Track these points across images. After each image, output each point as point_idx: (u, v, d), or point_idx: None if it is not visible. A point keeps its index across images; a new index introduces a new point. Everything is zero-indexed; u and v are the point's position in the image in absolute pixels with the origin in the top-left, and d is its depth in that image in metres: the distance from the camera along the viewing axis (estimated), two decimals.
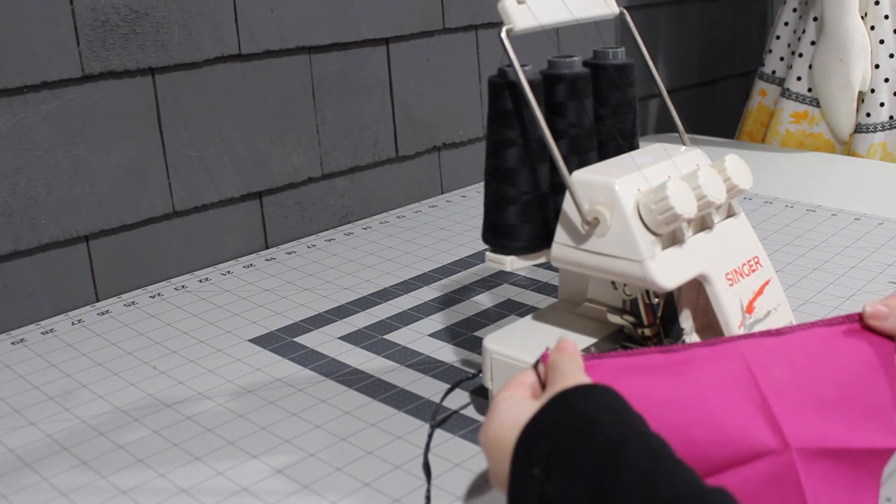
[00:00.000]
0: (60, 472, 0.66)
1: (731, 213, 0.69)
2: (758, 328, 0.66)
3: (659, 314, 0.67)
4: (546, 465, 0.45)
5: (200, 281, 1.01)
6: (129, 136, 0.98)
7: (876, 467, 0.53)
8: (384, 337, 0.86)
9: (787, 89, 1.42)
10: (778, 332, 0.57)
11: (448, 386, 0.74)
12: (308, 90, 1.12)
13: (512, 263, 0.69)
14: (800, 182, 1.27)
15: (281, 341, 0.86)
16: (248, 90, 1.07)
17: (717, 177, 0.64)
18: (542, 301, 0.92)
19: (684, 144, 0.71)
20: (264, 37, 1.06)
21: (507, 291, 0.95)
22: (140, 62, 0.97)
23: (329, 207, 1.18)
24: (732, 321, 0.64)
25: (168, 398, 0.76)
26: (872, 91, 1.35)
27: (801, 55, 1.39)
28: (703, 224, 0.66)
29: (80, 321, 0.92)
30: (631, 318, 0.68)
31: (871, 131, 1.36)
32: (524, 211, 0.67)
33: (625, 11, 0.71)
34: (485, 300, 0.93)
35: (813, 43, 1.38)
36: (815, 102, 1.39)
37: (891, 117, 1.35)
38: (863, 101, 1.36)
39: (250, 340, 0.86)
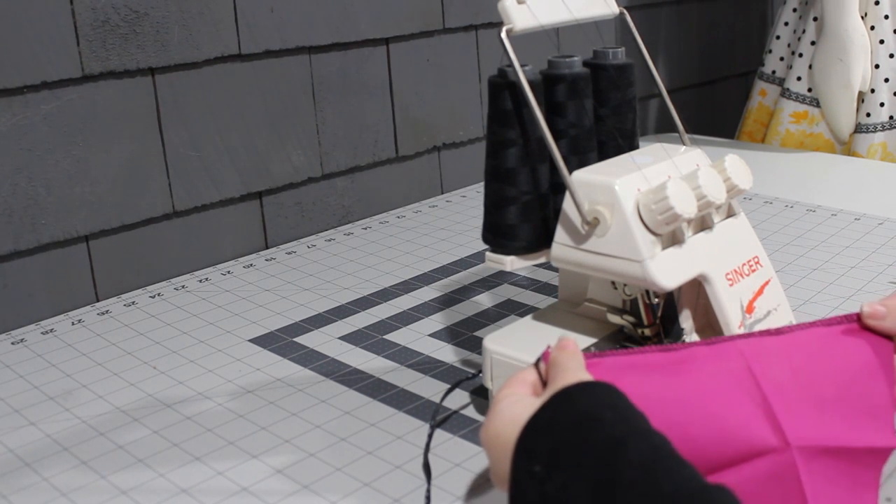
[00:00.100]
0: (60, 472, 0.66)
1: (731, 213, 0.69)
2: (758, 328, 0.66)
3: (659, 314, 0.67)
4: (547, 463, 0.45)
5: (200, 281, 1.01)
6: (129, 136, 0.98)
7: (875, 466, 0.53)
8: (384, 337, 0.86)
9: (787, 89, 1.42)
10: (777, 332, 0.57)
11: (448, 386, 0.74)
12: (308, 90, 1.12)
13: (512, 263, 0.69)
14: (800, 182, 1.27)
15: (281, 341, 0.86)
16: (248, 90, 1.07)
17: (717, 177, 0.64)
18: (542, 301, 0.92)
19: (684, 144, 0.71)
20: (264, 37, 1.06)
21: (507, 291, 0.95)
22: (140, 62, 0.97)
23: (329, 207, 1.18)
24: (732, 321, 0.64)
25: (168, 398, 0.76)
26: (872, 91, 1.35)
27: (801, 55, 1.39)
28: (703, 224, 0.66)
29: (80, 321, 0.92)
30: (631, 318, 0.68)
31: (871, 131, 1.36)
32: (524, 211, 0.67)
33: (625, 11, 0.71)
34: (485, 300, 0.93)
35: (813, 43, 1.38)
36: (815, 102, 1.39)
37: (891, 117, 1.35)
38: (863, 101, 1.36)
39: (250, 340, 0.86)
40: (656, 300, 0.66)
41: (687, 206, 0.60)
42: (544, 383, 0.53)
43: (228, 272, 1.04)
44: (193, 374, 0.80)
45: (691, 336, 0.69)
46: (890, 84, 1.34)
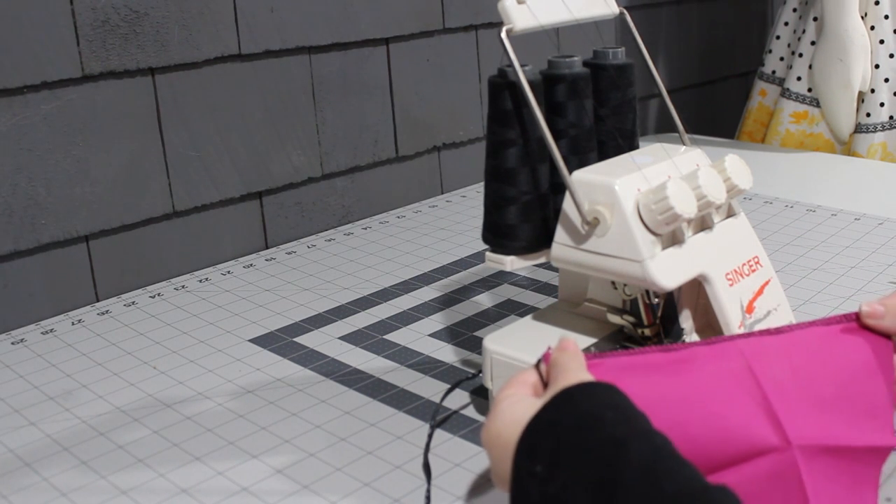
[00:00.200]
0: (60, 472, 0.66)
1: (731, 213, 0.69)
2: (758, 328, 0.66)
3: (659, 314, 0.67)
4: (548, 463, 0.45)
5: (200, 281, 1.01)
6: (129, 136, 0.98)
7: (875, 465, 0.54)
8: (384, 337, 0.86)
9: (787, 89, 1.42)
10: (777, 331, 0.57)
11: (448, 386, 0.74)
12: (308, 90, 1.12)
13: (512, 263, 0.69)
14: (800, 182, 1.27)
15: (281, 341, 0.86)
16: (248, 90, 1.07)
17: (717, 177, 0.64)
18: (542, 301, 0.92)
19: (684, 144, 0.71)
20: (264, 37, 1.06)
21: (507, 291, 0.95)
22: (140, 62, 0.97)
23: (329, 207, 1.18)
24: (732, 321, 0.64)
25: (168, 398, 0.76)
26: (872, 91, 1.35)
27: (801, 55, 1.39)
28: (703, 224, 0.66)
29: (80, 321, 0.92)
30: (631, 318, 0.68)
31: (871, 131, 1.36)
32: (524, 211, 0.67)
33: (625, 11, 0.71)
34: (485, 300, 0.93)
35: (813, 43, 1.38)
36: (815, 102, 1.39)
37: (891, 117, 1.35)
38: (863, 101, 1.36)
39: (250, 340, 0.86)
40: (656, 300, 0.66)
41: (687, 206, 0.60)
42: (545, 384, 0.54)
43: (228, 272, 1.04)
44: (193, 374, 0.80)
45: (691, 336, 0.69)
46: (890, 84, 1.34)
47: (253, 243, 1.11)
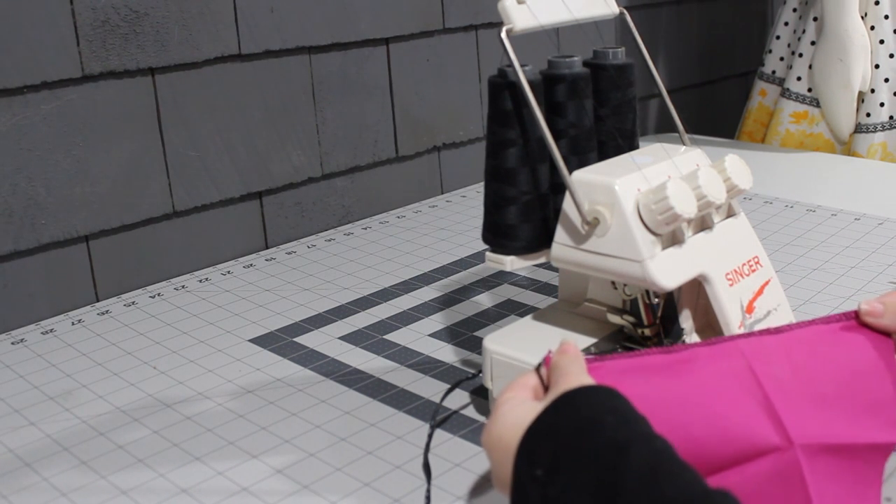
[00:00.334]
0: (60, 472, 0.66)
1: (731, 213, 0.69)
2: (758, 328, 0.66)
3: (659, 314, 0.67)
4: (549, 467, 0.45)
5: (200, 281, 1.01)
6: (129, 136, 0.98)
7: (877, 462, 0.54)
8: (384, 337, 0.86)
9: (787, 89, 1.42)
10: (777, 331, 0.57)
11: (448, 386, 0.74)
12: (308, 90, 1.12)
13: (512, 263, 0.69)
14: (800, 182, 1.27)
15: (281, 341, 0.86)
16: (248, 90, 1.07)
17: (717, 177, 0.64)
18: (542, 301, 0.92)
19: (684, 144, 0.71)
20: (264, 37, 1.06)
21: (507, 291, 0.95)
22: (140, 62, 0.97)
23: (329, 207, 1.18)
24: (732, 321, 0.64)
25: (168, 398, 0.76)
26: (872, 91, 1.35)
27: (801, 55, 1.39)
28: (703, 224, 0.66)
29: (80, 321, 0.92)
30: (631, 318, 0.68)
31: (871, 131, 1.36)
32: (524, 211, 0.67)
33: (625, 11, 0.71)
34: (485, 300, 0.93)
35: (813, 43, 1.38)
36: (815, 102, 1.39)
37: (891, 117, 1.35)
38: (863, 101, 1.36)
39: (250, 340, 0.86)
40: (656, 300, 0.66)
41: (687, 206, 0.60)
42: (546, 388, 0.53)
43: (228, 272, 1.04)
44: (193, 374, 0.80)
45: (691, 336, 0.69)
46: (890, 84, 1.34)
47: (253, 243, 1.11)
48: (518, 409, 0.50)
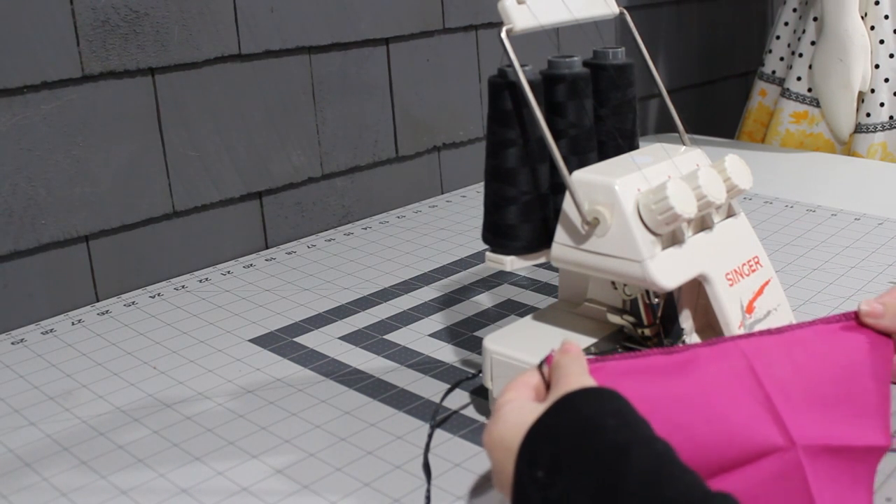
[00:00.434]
0: (60, 472, 0.66)
1: (731, 213, 0.69)
2: (758, 328, 0.66)
3: (659, 314, 0.67)
4: (550, 469, 0.45)
5: (200, 281, 1.01)
6: (129, 136, 0.98)
7: (871, 464, 0.54)
8: (384, 337, 0.86)
9: (787, 89, 1.42)
10: (778, 331, 0.57)
11: (448, 386, 0.74)
12: (308, 90, 1.12)
13: (512, 263, 0.69)
14: (800, 182, 1.27)
15: (281, 341, 0.86)
16: (248, 90, 1.07)
17: (717, 177, 0.64)
18: (542, 301, 0.92)
19: (684, 144, 0.71)
20: (264, 37, 1.06)
21: (507, 291, 0.95)
22: (140, 62, 0.97)
23: (329, 207, 1.18)
24: (732, 321, 0.64)
25: (168, 398, 0.76)
26: (872, 91, 1.35)
27: (801, 55, 1.39)
28: (703, 224, 0.66)
29: (80, 321, 0.92)
30: (631, 318, 0.68)
31: (871, 131, 1.36)
32: (524, 211, 0.67)
33: (625, 11, 0.71)
34: (485, 300, 0.93)
35: (813, 43, 1.38)
36: (815, 102, 1.39)
37: (891, 117, 1.35)
38: (863, 101, 1.36)
39: (250, 340, 0.86)
40: (656, 300, 0.66)
41: (687, 206, 0.60)
42: (547, 387, 0.53)
43: (228, 272, 1.04)
44: (193, 374, 0.80)
45: (691, 336, 0.69)
46: (890, 84, 1.34)
47: (253, 243, 1.11)
48: (519, 410, 0.50)
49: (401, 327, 0.88)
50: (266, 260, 1.07)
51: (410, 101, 1.24)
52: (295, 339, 0.86)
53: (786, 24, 1.45)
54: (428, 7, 1.22)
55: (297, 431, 0.70)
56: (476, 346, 0.82)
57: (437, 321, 0.89)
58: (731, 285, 0.65)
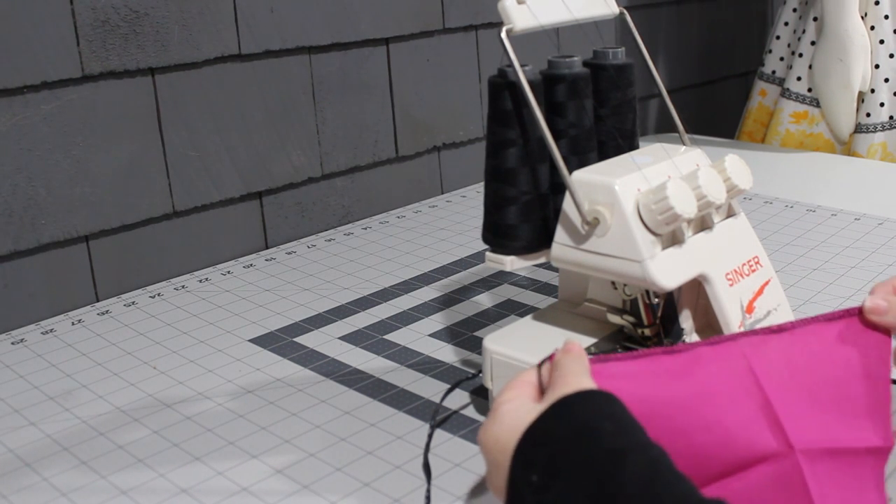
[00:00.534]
0: (60, 472, 0.66)
1: (731, 213, 0.69)
2: (758, 328, 0.66)
3: (659, 314, 0.67)
4: (545, 473, 0.45)
5: (200, 281, 1.01)
6: (129, 136, 0.98)
7: (877, 466, 0.53)
8: (384, 337, 0.86)
9: (787, 89, 1.42)
10: (779, 328, 0.57)
11: (448, 386, 0.74)
12: (308, 90, 1.12)
13: (512, 263, 0.69)
14: (800, 182, 1.27)
15: (281, 341, 0.86)
16: (248, 90, 1.07)
17: (717, 177, 0.64)
18: (542, 301, 0.92)
19: (684, 144, 0.71)
20: (264, 37, 1.06)
21: (507, 291, 0.95)
22: (140, 62, 0.97)
23: (329, 207, 1.18)
24: (732, 321, 0.64)
25: (168, 398, 0.76)
26: (872, 91, 1.35)
27: (801, 55, 1.39)
28: (703, 224, 0.66)
29: (80, 321, 0.92)
30: (631, 318, 0.68)
31: (871, 131, 1.36)
32: (524, 211, 0.67)
33: (625, 11, 0.71)
34: (485, 300, 0.93)
35: (813, 43, 1.38)
36: (815, 102, 1.39)
37: (891, 117, 1.35)
38: (863, 101, 1.36)
39: (250, 340, 0.86)
40: (656, 300, 0.66)
41: (687, 206, 0.60)
42: (547, 385, 0.53)
43: (228, 272, 1.04)
44: (193, 374, 0.80)
45: (691, 336, 0.69)
46: (890, 84, 1.34)
47: (253, 243, 1.11)
48: (517, 411, 0.50)
49: (401, 327, 0.88)
50: (266, 260, 1.07)
51: (410, 101, 1.24)
52: (295, 339, 0.86)
53: (786, 24, 1.45)
54: (428, 7, 1.22)
55: (297, 431, 0.70)
56: (476, 346, 0.82)
57: (437, 321, 0.89)
58: (731, 285, 0.65)
